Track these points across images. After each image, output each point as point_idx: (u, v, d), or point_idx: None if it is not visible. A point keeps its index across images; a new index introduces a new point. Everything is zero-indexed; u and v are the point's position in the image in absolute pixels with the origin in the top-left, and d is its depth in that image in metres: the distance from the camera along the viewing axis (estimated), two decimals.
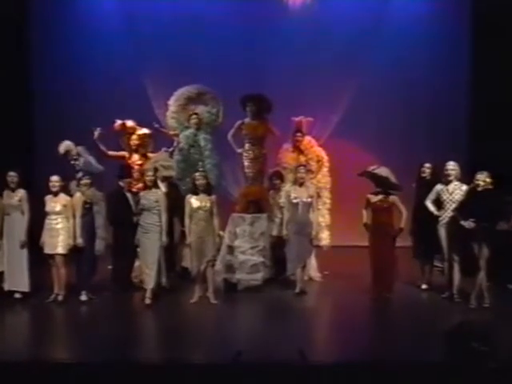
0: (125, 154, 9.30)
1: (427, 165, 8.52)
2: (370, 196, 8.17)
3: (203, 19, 11.03)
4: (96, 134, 9.03)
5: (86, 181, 8.16)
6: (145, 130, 9.41)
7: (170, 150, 9.24)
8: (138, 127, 9.41)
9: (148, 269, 7.92)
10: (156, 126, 9.59)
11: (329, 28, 11.04)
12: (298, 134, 9.28)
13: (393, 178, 8.08)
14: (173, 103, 9.62)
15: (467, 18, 11.21)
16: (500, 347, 4.26)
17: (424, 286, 8.58)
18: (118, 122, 9.38)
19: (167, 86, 9.95)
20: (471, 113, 11.13)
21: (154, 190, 8.12)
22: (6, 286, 8.08)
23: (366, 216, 8.21)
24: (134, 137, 9.32)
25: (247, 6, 10.97)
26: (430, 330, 6.60)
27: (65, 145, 8.73)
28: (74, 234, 7.96)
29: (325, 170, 9.40)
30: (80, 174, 8.38)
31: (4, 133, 10.01)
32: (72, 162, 8.63)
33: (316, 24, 11.04)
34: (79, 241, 7.96)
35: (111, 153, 9.27)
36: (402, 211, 8.06)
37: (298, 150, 9.30)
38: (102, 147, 9.10)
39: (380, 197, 8.09)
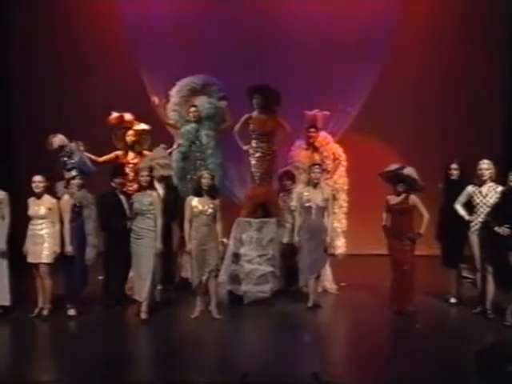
0: (118, 153, 9.22)
1: (454, 166, 8.30)
2: (389, 197, 8.10)
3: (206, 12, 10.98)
4: (80, 147, 8.75)
5: (78, 181, 8.03)
6: (143, 126, 9.34)
7: (169, 150, 9.16)
8: (136, 122, 9.34)
9: (142, 279, 7.81)
10: (154, 99, 9.49)
11: (345, 11, 10.93)
12: (312, 130, 9.14)
13: (420, 180, 8.03)
14: (175, 94, 9.52)
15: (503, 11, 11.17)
16: None
17: (453, 300, 8.46)
18: (115, 114, 9.29)
19: (166, 75, 9.88)
20: (508, 110, 11.05)
21: (148, 191, 8.01)
22: None
23: (385, 218, 8.16)
24: (131, 132, 9.26)
25: None
26: (459, 351, 6.56)
27: (59, 139, 8.49)
28: (61, 241, 7.85)
29: (342, 169, 9.31)
30: (73, 173, 8.22)
31: None
32: (64, 159, 8.46)
33: (331, 7, 10.94)
34: (68, 248, 7.83)
35: (103, 158, 9.19)
36: (423, 214, 7.93)
37: (312, 147, 9.19)
38: (92, 156, 8.95)
39: (400, 198, 8.01)
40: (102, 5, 10.99)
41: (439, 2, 11.40)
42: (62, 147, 8.52)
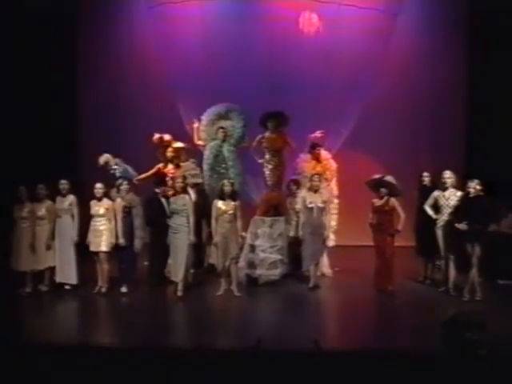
0: (159, 166, 9.30)
1: (425, 174, 8.55)
2: (374, 200, 8.21)
3: (229, 52, 10.94)
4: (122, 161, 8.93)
5: (125, 186, 8.23)
6: (179, 144, 9.43)
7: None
8: (173, 141, 9.47)
9: (178, 264, 7.91)
10: (194, 123, 9.59)
11: (336, 48, 10.90)
12: (318, 148, 9.18)
13: (398, 186, 8.13)
14: (205, 118, 9.64)
15: (465, 35, 11.19)
16: (490, 336, 4.22)
17: (428, 282, 8.55)
18: (157, 135, 9.41)
19: (196, 105, 9.99)
20: (468, 128, 11.07)
21: (182, 195, 8.09)
22: (58, 279, 8.20)
23: (371, 217, 8.23)
24: (170, 149, 9.31)
25: (267, 35, 10.94)
26: (429, 321, 6.57)
27: (104, 157, 8.79)
28: (116, 234, 8.05)
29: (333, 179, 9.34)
30: (120, 181, 8.40)
31: (56, 148, 10.09)
32: (111, 172, 8.67)
33: (325, 45, 10.91)
34: (121, 240, 8.04)
35: (150, 173, 9.22)
36: (400, 214, 8.02)
37: (316, 160, 9.19)
38: (141, 175, 9.09)
39: (382, 201, 8.12)
40: (153, 55, 11.13)
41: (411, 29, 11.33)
42: (107, 163, 8.77)
